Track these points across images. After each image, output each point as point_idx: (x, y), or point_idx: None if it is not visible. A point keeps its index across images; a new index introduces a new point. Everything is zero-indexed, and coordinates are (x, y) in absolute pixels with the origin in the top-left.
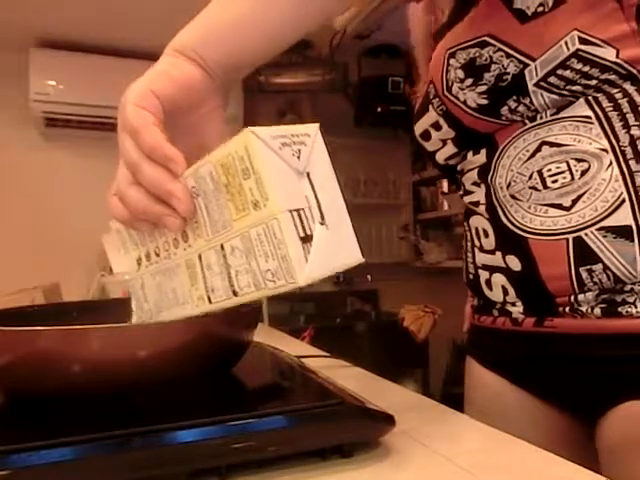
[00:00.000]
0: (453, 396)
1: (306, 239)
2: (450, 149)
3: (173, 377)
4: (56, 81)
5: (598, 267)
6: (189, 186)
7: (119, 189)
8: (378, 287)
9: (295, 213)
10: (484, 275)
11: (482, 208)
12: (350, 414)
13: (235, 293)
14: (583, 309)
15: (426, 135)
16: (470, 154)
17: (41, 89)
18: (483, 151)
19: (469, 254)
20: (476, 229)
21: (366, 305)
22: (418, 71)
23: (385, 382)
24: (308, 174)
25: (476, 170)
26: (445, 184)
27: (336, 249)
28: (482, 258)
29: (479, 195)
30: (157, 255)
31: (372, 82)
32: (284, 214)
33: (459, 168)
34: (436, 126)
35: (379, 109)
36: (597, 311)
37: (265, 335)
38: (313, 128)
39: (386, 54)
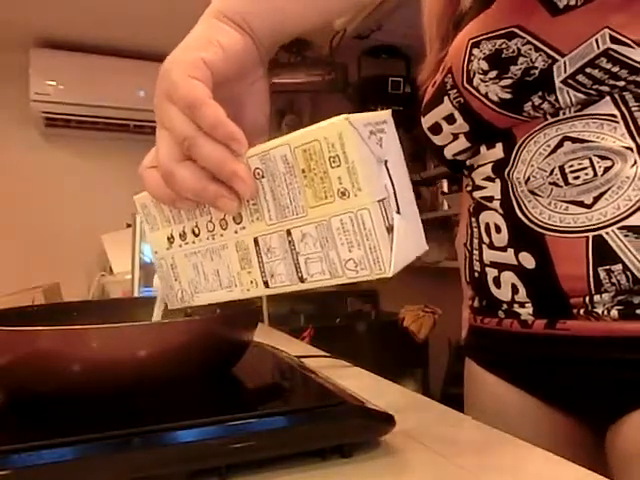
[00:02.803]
0: (453, 396)
1: (389, 229)
2: (461, 144)
3: (173, 377)
4: (56, 81)
5: (617, 267)
6: (252, 167)
7: (164, 166)
8: (378, 287)
9: (381, 203)
10: (492, 273)
11: (496, 203)
12: (350, 414)
13: (302, 280)
14: (598, 311)
15: (436, 128)
16: (483, 148)
17: (41, 89)
18: (499, 145)
19: (475, 251)
20: (487, 225)
21: (366, 305)
22: (425, 56)
23: (385, 382)
24: (386, 162)
25: (490, 165)
26: (445, 184)
27: (410, 239)
28: (491, 255)
29: (493, 190)
30: (196, 235)
31: (372, 82)
32: (375, 204)
33: (468, 163)
34: (449, 119)
35: (379, 109)
36: (614, 313)
37: (265, 335)
38: (388, 115)
39: (386, 54)
